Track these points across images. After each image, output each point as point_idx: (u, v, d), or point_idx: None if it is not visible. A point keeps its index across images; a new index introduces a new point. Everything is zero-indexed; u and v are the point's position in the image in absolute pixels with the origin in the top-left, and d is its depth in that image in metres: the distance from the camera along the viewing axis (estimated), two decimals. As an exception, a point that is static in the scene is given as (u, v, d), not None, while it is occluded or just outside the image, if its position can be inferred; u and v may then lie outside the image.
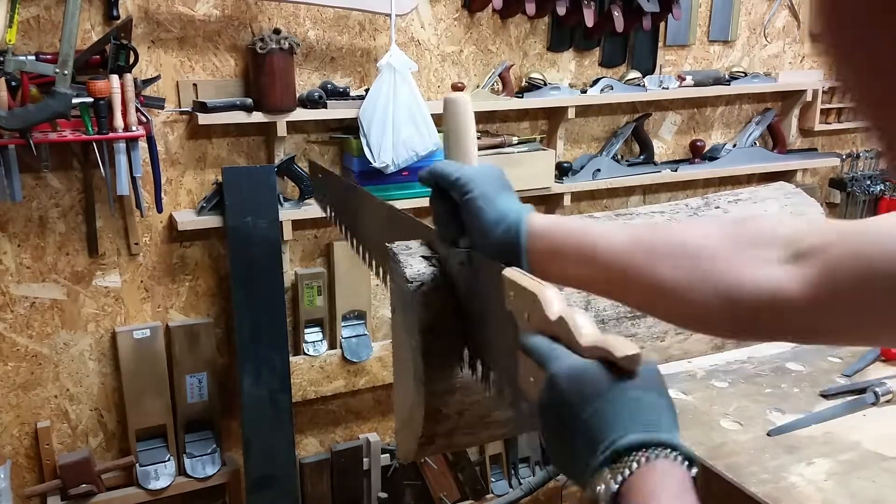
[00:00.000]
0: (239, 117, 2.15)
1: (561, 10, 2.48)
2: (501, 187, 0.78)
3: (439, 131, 2.32)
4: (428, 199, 0.84)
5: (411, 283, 0.91)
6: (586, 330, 0.58)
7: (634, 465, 0.50)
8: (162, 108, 2.12)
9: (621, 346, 0.55)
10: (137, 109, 1.97)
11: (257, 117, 2.16)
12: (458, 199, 0.78)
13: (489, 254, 0.76)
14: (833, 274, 0.57)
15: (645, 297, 0.68)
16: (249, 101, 2.16)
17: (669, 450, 0.51)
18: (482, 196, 0.76)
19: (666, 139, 2.94)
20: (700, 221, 0.69)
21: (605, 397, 0.54)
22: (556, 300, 0.62)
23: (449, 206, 0.80)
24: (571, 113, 2.56)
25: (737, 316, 0.62)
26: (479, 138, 2.53)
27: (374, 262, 1.13)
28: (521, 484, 2.67)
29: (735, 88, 2.84)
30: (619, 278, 0.68)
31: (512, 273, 0.68)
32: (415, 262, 0.94)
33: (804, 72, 3.03)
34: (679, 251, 0.65)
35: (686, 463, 0.51)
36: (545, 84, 2.54)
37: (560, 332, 0.60)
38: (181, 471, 2.34)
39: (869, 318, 0.57)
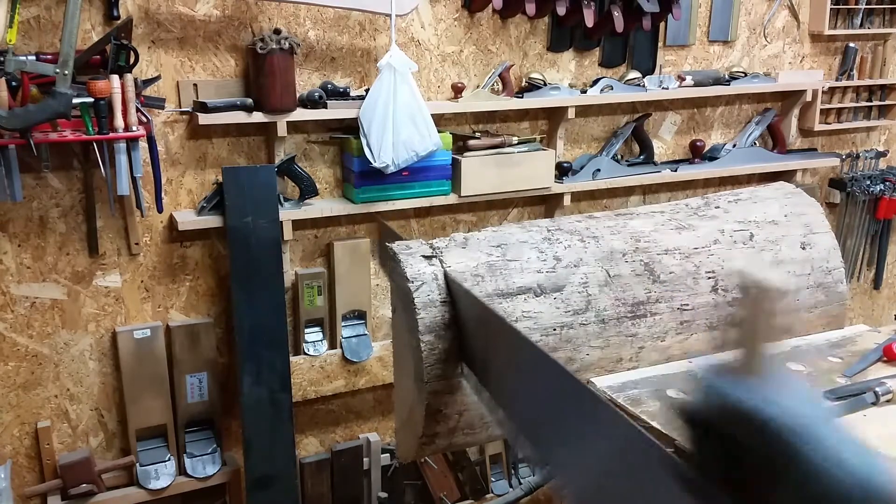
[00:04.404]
0: (239, 117, 2.15)
1: (561, 11, 2.48)
2: (836, 428, 0.55)
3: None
4: (677, 428, 0.62)
5: (412, 282, 0.91)
6: None
7: None
8: (162, 108, 2.13)
9: None
10: (138, 109, 1.97)
11: (257, 117, 2.17)
12: (760, 443, 0.54)
13: None
14: None
15: None
16: (250, 101, 2.17)
17: None
18: (818, 448, 0.52)
19: (666, 139, 2.94)
20: None
21: None
22: None
23: (723, 446, 0.57)
24: (571, 113, 2.57)
25: None
26: (478, 138, 2.55)
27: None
28: (521, 484, 2.67)
29: (735, 88, 2.84)
30: None
31: None
32: (415, 261, 0.94)
33: (804, 72, 3.03)
34: None
35: None
36: (545, 84, 2.54)
37: None
38: (181, 470, 2.34)
39: None
